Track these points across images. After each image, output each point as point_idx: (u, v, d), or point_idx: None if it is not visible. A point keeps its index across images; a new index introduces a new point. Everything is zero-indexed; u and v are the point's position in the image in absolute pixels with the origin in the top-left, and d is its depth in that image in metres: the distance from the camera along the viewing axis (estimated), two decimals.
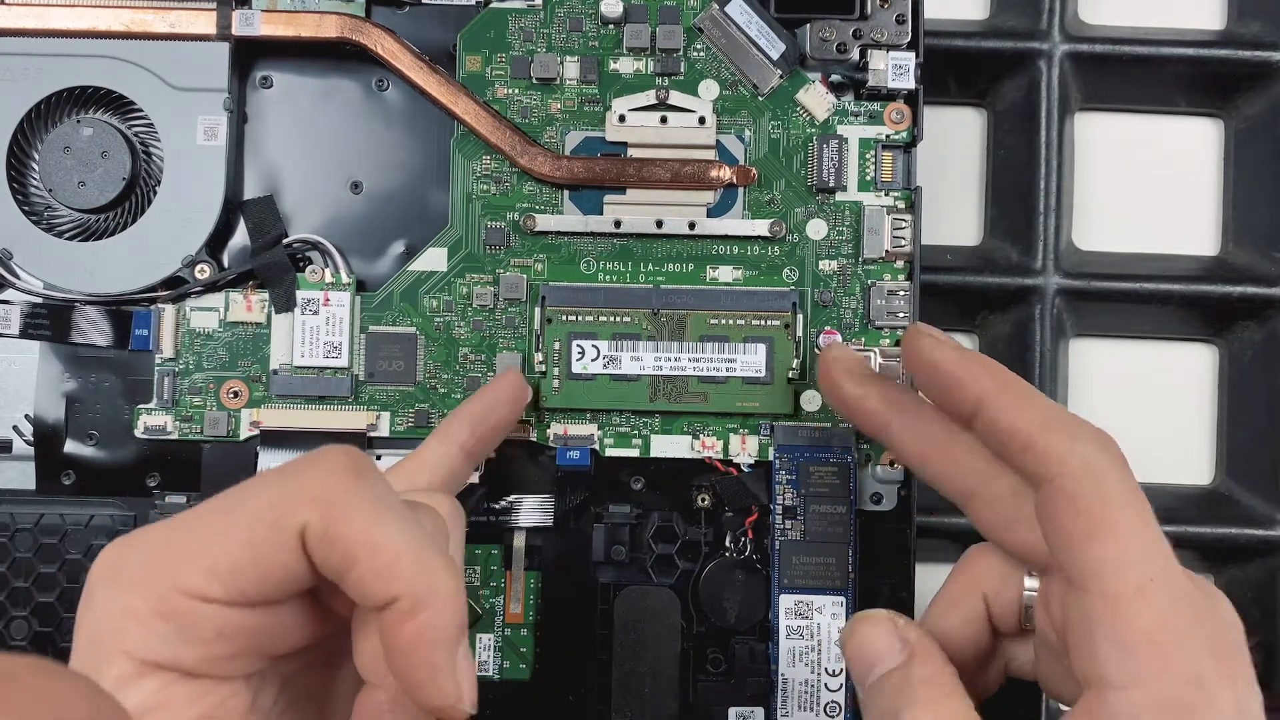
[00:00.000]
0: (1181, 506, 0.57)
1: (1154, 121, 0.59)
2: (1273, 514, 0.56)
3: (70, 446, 0.50)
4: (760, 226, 0.50)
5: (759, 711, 0.49)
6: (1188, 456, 0.59)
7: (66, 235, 0.50)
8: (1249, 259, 0.57)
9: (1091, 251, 0.58)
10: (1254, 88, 0.57)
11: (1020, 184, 0.56)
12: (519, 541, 0.50)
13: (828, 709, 0.48)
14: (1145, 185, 0.59)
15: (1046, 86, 0.56)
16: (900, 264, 0.50)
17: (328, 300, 0.50)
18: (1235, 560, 0.56)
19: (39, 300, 0.50)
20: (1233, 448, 0.58)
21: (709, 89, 0.50)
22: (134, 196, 0.50)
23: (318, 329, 0.50)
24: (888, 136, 0.50)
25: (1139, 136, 0.59)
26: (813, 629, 0.48)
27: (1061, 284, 0.56)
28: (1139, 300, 0.56)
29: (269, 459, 0.49)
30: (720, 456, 0.50)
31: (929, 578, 0.58)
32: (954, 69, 0.57)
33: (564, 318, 0.49)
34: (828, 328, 0.50)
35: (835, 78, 0.50)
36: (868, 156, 0.50)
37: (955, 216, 0.59)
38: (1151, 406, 0.58)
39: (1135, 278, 0.56)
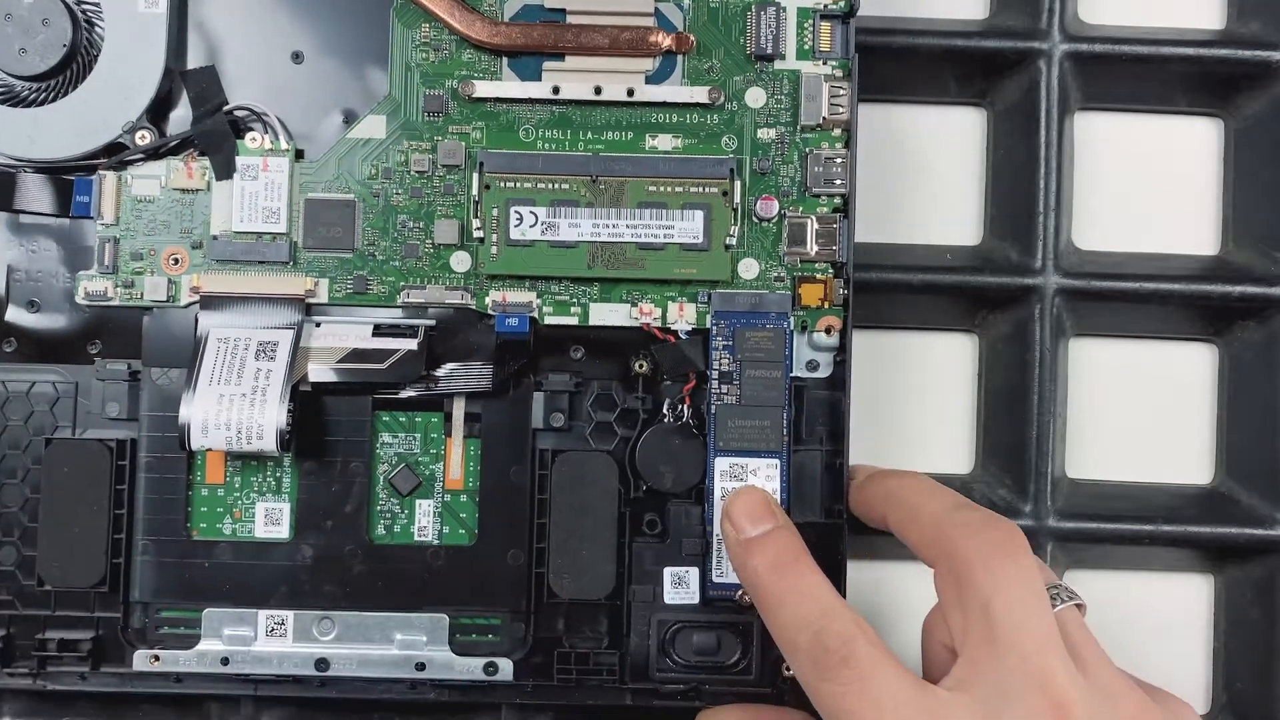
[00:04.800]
0: (1181, 506, 0.56)
1: (1154, 121, 0.58)
2: (1273, 514, 0.55)
3: (11, 314, 0.51)
4: (699, 93, 0.50)
5: (693, 571, 0.50)
6: (1188, 456, 0.58)
7: (7, 102, 0.50)
8: (1249, 259, 0.57)
9: (1091, 251, 0.57)
10: (1254, 88, 0.56)
11: (1020, 184, 0.56)
12: (458, 409, 0.51)
13: None
14: (1145, 185, 0.58)
15: (1046, 86, 0.55)
16: (838, 132, 0.50)
17: (266, 166, 0.50)
18: (1235, 560, 0.56)
19: None
20: (1233, 448, 0.57)
21: None
22: (75, 64, 0.50)
23: (256, 195, 0.50)
24: (825, 6, 0.50)
25: (1139, 136, 0.58)
26: None
27: (1061, 284, 0.55)
28: (1139, 300, 0.56)
29: (209, 321, 0.49)
30: (659, 324, 0.50)
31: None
32: (954, 69, 0.57)
33: (502, 184, 0.50)
34: (766, 194, 0.50)
35: None
36: (806, 26, 0.50)
37: (955, 216, 0.58)
38: (1151, 406, 0.58)
39: (1135, 277, 0.56)
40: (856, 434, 0.56)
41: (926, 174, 0.58)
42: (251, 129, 0.51)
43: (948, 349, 0.58)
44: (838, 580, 0.48)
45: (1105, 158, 0.58)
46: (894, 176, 0.58)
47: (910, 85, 0.57)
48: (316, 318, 0.50)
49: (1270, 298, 0.55)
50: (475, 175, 0.49)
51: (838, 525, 0.49)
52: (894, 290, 0.55)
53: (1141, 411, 0.58)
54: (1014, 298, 0.55)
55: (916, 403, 0.58)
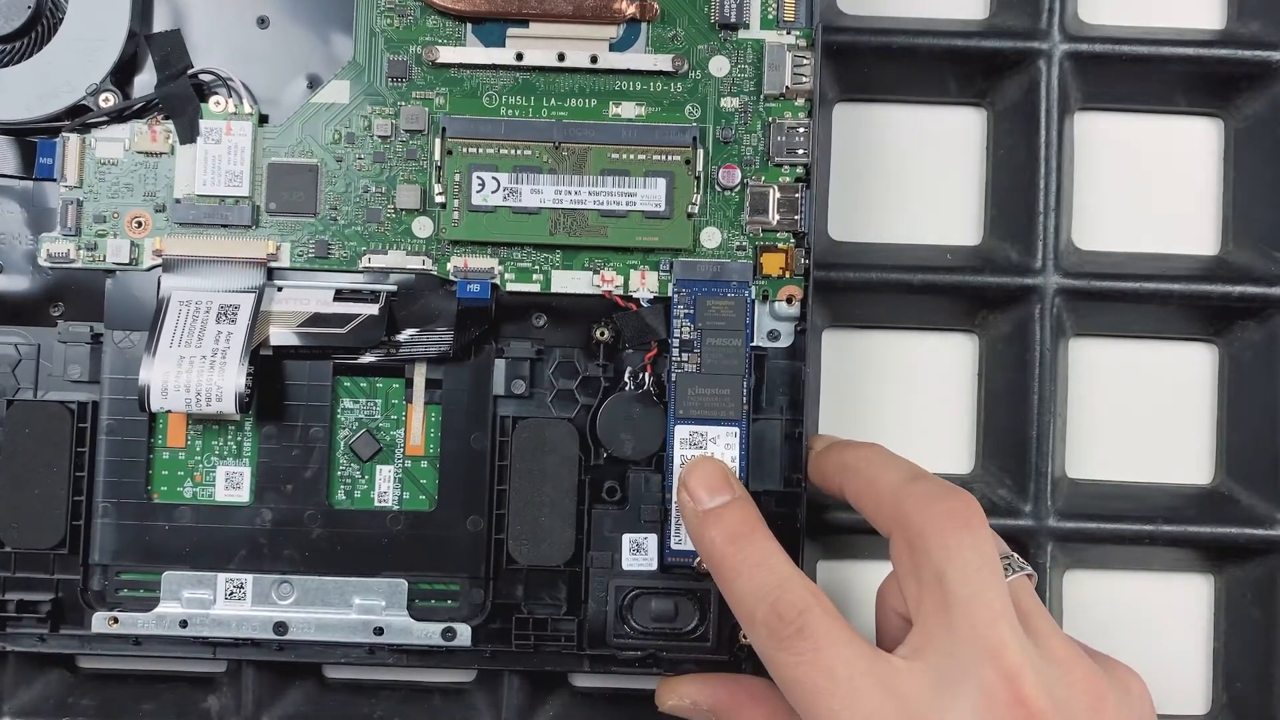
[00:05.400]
0: (1181, 506, 0.56)
1: (1154, 121, 0.58)
2: (1273, 514, 0.55)
3: None
4: (663, 61, 0.50)
5: (652, 538, 0.50)
6: (1188, 456, 0.58)
7: None
8: (1249, 259, 0.56)
9: (1091, 251, 0.57)
10: (1254, 88, 0.56)
11: (1020, 184, 0.56)
12: (419, 375, 0.51)
13: None
14: (1145, 185, 0.58)
15: (1046, 86, 0.55)
16: (801, 101, 0.50)
17: (230, 130, 0.50)
18: (1235, 560, 0.56)
19: None
20: (1233, 448, 0.57)
21: None
22: (40, 26, 0.50)
23: (219, 158, 0.50)
24: None
25: (1139, 136, 0.58)
26: None
27: (1061, 284, 0.55)
28: (1139, 300, 0.55)
29: (171, 284, 0.49)
30: (620, 292, 0.50)
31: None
32: (954, 69, 0.56)
33: (464, 149, 0.50)
34: (728, 163, 0.50)
35: None
36: None
37: (955, 216, 0.58)
38: (1151, 406, 0.58)
39: (1135, 277, 0.55)
40: (855, 434, 0.56)
41: (927, 174, 0.57)
42: (216, 93, 0.51)
43: (948, 349, 0.58)
44: (795, 549, 0.49)
45: (1105, 158, 0.58)
46: (894, 176, 0.57)
47: (910, 85, 0.57)
48: (278, 282, 0.50)
49: (1270, 298, 0.55)
50: (438, 140, 0.50)
51: (796, 494, 0.49)
52: (894, 290, 0.55)
53: (1141, 411, 0.58)
54: (1014, 298, 0.55)
55: (917, 403, 0.57)
